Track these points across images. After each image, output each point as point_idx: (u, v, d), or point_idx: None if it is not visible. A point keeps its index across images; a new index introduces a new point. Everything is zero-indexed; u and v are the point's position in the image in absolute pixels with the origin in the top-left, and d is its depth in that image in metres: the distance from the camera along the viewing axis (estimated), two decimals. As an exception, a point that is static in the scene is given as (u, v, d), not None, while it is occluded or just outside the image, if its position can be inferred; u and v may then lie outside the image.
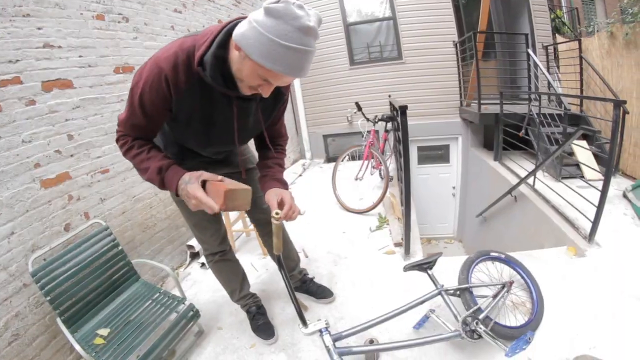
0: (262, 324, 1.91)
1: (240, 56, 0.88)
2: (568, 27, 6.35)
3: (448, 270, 2.17)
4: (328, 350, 1.36)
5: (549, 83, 4.63)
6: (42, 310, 1.76)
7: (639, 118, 3.70)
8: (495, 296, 1.78)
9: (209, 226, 1.63)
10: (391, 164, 4.31)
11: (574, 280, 2.13)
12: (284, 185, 1.33)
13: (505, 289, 1.84)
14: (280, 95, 1.24)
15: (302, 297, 2.17)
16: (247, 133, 1.30)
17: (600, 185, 2.33)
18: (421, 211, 5.74)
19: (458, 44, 5.27)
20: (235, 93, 1.03)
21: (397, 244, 2.77)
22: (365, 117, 4.12)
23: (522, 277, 2.01)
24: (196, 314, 1.85)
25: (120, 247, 1.98)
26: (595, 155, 3.57)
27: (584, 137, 3.82)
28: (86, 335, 1.67)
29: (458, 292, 1.78)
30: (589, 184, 2.72)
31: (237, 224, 3.04)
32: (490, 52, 5.45)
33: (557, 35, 5.81)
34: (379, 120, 4.03)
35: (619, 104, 2.15)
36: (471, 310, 1.63)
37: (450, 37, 5.39)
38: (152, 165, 1.06)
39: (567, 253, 2.47)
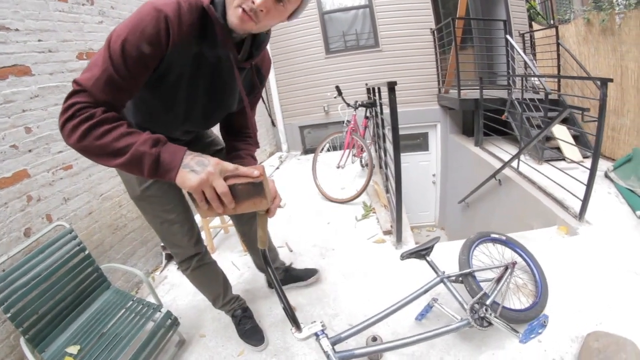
0: (249, 329, 1.74)
1: None
2: (542, 17, 6.53)
3: (442, 256, 2.09)
4: (327, 357, 1.21)
5: (525, 64, 4.69)
6: (5, 328, 1.56)
7: (615, 102, 3.81)
8: (499, 279, 1.70)
9: (180, 226, 1.38)
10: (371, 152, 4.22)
11: (570, 258, 2.13)
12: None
13: (509, 270, 1.76)
14: (262, 79, 1.18)
15: (289, 294, 2.02)
16: (229, 104, 1.14)
17: (581, 166, 2.43)
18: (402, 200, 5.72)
19: (435, 32, 5.24)
20: (234, 51, 0.93)
21: (386, 232, 2.68)
22: (346, 103, 4.00)
23: (523, 258, 1.95)
24: (175, 322, 1.67)
25: (87, 252, 1.74)
26: (574, 138, 3.63)
27: (563, 120, 3.88)
28: (55, 355, 1.45)
29: (460, 278, 1.68)
30: (580, 165, 2.74)
31: (215, 220, 2.84)
32: (468, 38, 5.47)
33: (533, 23, 5.94)
34: (360, 105, 3.91)
35: (605, 81, 2.15)
36: (478, 297, 1.54)
37: (427, 25, 5.37)
38: (140, 139, 0.75)
39: (559, 232, 2.48)
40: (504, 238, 1.99)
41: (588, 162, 2.88)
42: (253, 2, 0.78)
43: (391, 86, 2.13)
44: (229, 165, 0.78)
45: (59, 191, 1.90)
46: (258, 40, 0.98)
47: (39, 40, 1.89)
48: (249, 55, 0.99)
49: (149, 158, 0.74)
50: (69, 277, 1.61)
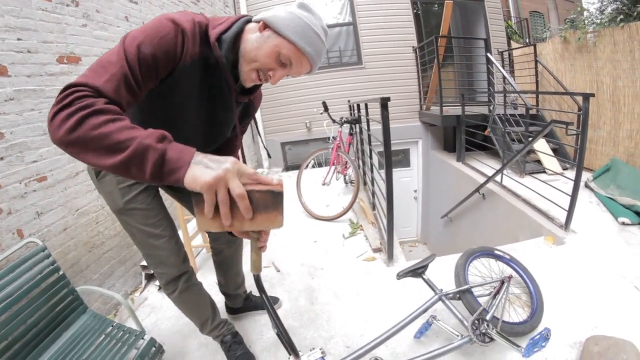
0: (240, 355, 1.61)
1: (263, 36, 0.88)
2: (518, 35, 6.93)
3: (431, 272, 2.05)
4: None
5: (505, 80, 4.89)
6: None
7: (592, 116, 4.04)
8: (497, 293, 1.70)
9: (167, 240, 1.27)
10: (352, 170, 4.20)
11: (559, 267, 2.18)
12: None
13: (505, 284, 1.76)
14: (254, 110, 1.23)
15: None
16: (225, 132, 1.19)
17: (563, 177, 2.54)
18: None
19: (417, 50, 5.40)
20: (235, 85, 0.99)
21: (376, 250, 2.63)
22: (332, 119, 4.00)
23: (516, 270, 1.96)
24: (160, 350, 1.53)
25: (61, 272, 1.58)
26: (553, 151, 3.78)
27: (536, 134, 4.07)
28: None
29: (458, 295, 1.67)
30: (562, 176, 2.82)
31: (197, 238, 2.70)
32: (449, 56, 5.68)
33: (511, 42, 6.29)
34: (345, 122, 3.92)
35: (587, 96, 2.25)
36: (477, 313, 1.53)
37: (409, 43, 5.54)
38: (144, 132, 0.64)
39: (546, 242, 2.53)
40: (499, 253, 2.01)
41: (568, 173, 3.01)
42: (270, 77, 0.91)
43: (384, 102, 2.14)
44: (248, 168, 0.68)
45: (32, 204, 1.74)
46: None
47: (18, 39, 1.75)
48: (247, 91, 1.06)
49: (154, 153, 0.61)
50: (41, 300, 1.45)
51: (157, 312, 2.11)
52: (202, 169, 0.63)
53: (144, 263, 2.40)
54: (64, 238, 1.88)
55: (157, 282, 2.36)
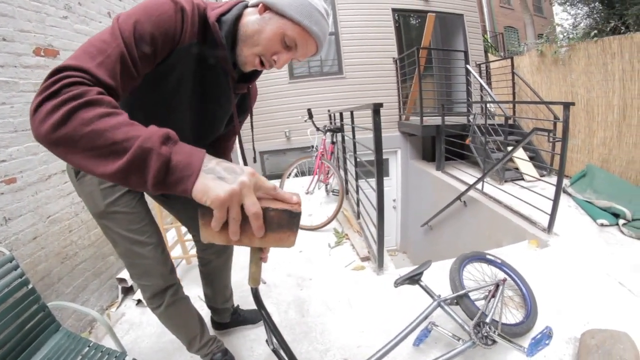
0: None
1: (264, 18, 0.81)
2: (494, 49, 7.29)
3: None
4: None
5: (482, 90, 5.08)
6: None
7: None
8: (493, 297, 1.72)
9: (154, 248, 1.15)
10: (335, 178, 4.18)
11: (546, 268, 2.25)
12: None
13: (501, 287, 1.78)
14: (250, 103, 1.15)
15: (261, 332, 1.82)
16: (218, 125, 1.11)
17: (543, 181, 2.67)
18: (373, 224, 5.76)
19: (398, 61, 5.52)
20: (234, 72, 0.92)
21: (364, 258, 2.59)
22: (315, 127, 3.97)
23: (507, 274, 1.99)
24: (145, 370, 1.39)
25: (31, 286, 1.42)
26: (530, 158, 3.94)
27: (517, 142, 4.24)
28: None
29: (456, 300, 1.67)
30: (541, 181, 2.93)
31: (176, 249, 2.54)
32: (428, 67, 5.84)
33: (488, 55, 6.60)
34: (329, 130, 3.91)
35: (567, 105, 2.35)
36: (477, 316, 1.54)
37: (390, 54, 5.66)
38: (146, 132, 0.53)
39: (530, 246, 2.60)
40: (492, 258, 2.04)
41: (547, 179, 3.12)
42: (274, 62, 0.84)
43: (376, 108, 2.11)
44: (267, 182, 0.60)
45: (-1, 209, 1.57)
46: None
47: (-6, 25, 1.59)
48: (245, 79, 1.00)
49: (157, 159, 0.51)
50: (8, 317, 1.27)
51: (136, 329, 1.94)
52: (215, 181, 0.53)
53: (121, 276, 2.23)
54: (33, 247, 1.70)
55: (135, 297, 2.18)
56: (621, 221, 2.77)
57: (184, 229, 2.55)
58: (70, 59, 0.60)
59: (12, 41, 1.68)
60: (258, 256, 0.81)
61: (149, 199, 1.28)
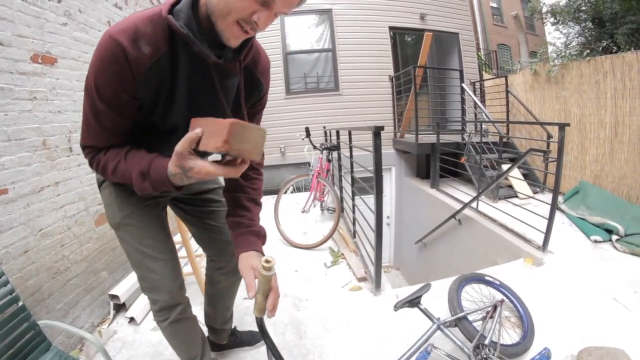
0: None
1: None
2: (488, 66, 7.48)
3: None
4: None
5: (476, 107, 5.17)
6: None
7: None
8: (491, 318, 1.73)
9: (164, 264, 1.15)
10: (330, 196, 4.18)
11: (542, 286, 2.26)
12: (263, 239, 1.06)
13: (498, 308, 1.80)
14: (259, 84, 1.04)
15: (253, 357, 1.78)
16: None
17: (536, 199, 2.74)
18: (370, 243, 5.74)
19: (394, 79, 5.61)
20: (213, 55, 0.82)
21: (361, 279, 2.55)
22: (313, 145, 3.99)
23: (505, 295, 1.99)
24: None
25: (21, 303, 1.37)
26: (523, 176, 4.00)
27: (513, 160, 4.32)
28: None
29: (455, 323, 1.67)
30: (534, 199, 2.97)
31: (186, 266, 2.48)
32: (424, 86, 5.94)
33: (482, 73, 6.77)
34: (325, 148, 3.94)
35: (563, 126, 2.41)
36: (477, 338, 1.54)
37: (386, 72, 5.74)
38: (134, 174, 0.84)
39: (525, 264, 2.62)
40: (488, 279, 2.05)
41: (540, 196, 3.16)
42: (257, 24, 0.75)
43: (377, 131, 2.11)
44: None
45: (-11, 221, 1.52)
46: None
47: (-9, 28, 1.56)
48: (236, 53, 0.88)
49: (149, 188, 0.83)
50: (-3, 336, 1.23)
51: (129, 347, 1.88)
52: (178, 181, 0.79)
53: (113, 292, 2.17)
54: (24, 262, 1.64)
55: (127, 314, 2.12)
56: (614, 237, 2.81)
57: (177, 246, 2.49)
58: (81, 137, 0.90)
59: (9, 46, 1.65)
60: (267, 287, 0.82)
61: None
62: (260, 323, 0.91)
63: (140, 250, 1.12)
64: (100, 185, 1.16)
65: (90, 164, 0.91)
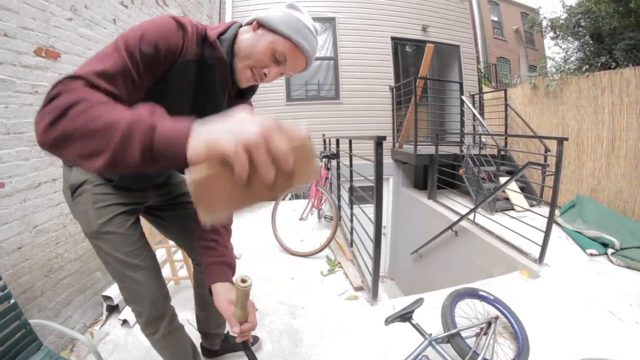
0: None
1: (257, 34, 0.88)
2: (487, 79, 7.57)
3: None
4: None
5: (474, 119, 5.20)
6: None
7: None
8: (485, 334, 1.73)
9: (147, 273, 1.11)
10: (327, 204, 4.17)
11: (538, 299, 2.26)
12: (233, 271, 1.06)
13: (492, 325, 1.78)
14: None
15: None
16: None
17: (532, 212, 2.70)
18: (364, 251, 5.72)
19: (394, 89, 5.65)
20: (231, 85, 0.97)
21: (358, 288, 2.54)
22: (313, 152, 4.00)
23: (500, 311, 1.97)
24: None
25: (13, 301, 1.34)
26: (521, 189, 4.03)
27: (510, 173, 4.35)
28: None
29: (447, 339, 1.65)
30: (531, 212, 2.98)
31: (164, 268, 2.45)
32: (424, 97, 5.98)
33: (482, 86, 6.85)
34: (325, 156, 3.95)
35: (561, 140, 2.43)
36: (469, 355, 1.54)
37: (387, 82, 5.78)
38: (129, 113, 0.54)
39: (521, 277, 2.61)
40: (483, 294, 2.03)
41: (536, 209, 3.18)
42: (265, 76, 0.90)
43: (379, 141, 2.12)
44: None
45: (-17, 215, 1.50)
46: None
47: (-4, 18, 1.54)
48: (241, 95, 1.04)
49: (143, 130, 0.51)
50: (-13, 334, 1.20)
51: (121, 350, 1.84)
52: (215, 130, 0.50)
53: (106, 293, 2.13)
54: (17, 258, 1.62)
55: (120, 316, 2.08)
56: (610, 250, 2.84)
57: (173, 249, 2.47)
58: (75, 70, 0.64)
59: (13, 38, 1.64)
60: (246, 300, 0.82)
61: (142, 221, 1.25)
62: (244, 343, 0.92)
63: (120, 259, 1.07)
64: (73, 192, 1.06)
65: (55, 96, 0.57)
